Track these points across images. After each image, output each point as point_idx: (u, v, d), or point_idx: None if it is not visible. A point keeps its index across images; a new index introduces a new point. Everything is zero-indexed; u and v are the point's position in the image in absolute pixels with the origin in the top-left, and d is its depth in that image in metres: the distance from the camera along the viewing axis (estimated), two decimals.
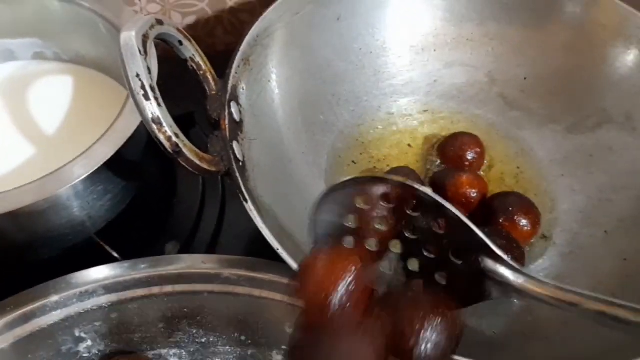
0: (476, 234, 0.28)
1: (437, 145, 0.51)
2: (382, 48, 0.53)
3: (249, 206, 0.35)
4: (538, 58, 0.53)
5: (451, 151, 0.49)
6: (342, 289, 0.28)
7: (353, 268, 0.28)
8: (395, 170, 0.47)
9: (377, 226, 0.30)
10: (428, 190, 0.28)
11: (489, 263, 0.28)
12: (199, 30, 0.63)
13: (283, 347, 0.41)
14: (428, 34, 0.54)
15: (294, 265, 0.34)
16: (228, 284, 0.40)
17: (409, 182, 0.28)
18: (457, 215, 0.28)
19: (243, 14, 0.63)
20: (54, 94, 0.50)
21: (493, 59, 0.54)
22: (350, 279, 0.28)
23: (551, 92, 0.52)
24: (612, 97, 0.50)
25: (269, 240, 0.34)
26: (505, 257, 0.28)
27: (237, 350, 0.42)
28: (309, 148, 0.48)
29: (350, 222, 0.31)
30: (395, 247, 0.31)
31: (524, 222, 0.44)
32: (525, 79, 0.53)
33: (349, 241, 0.31)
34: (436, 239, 0.29)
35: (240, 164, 0.38)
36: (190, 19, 0.62)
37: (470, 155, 0.48)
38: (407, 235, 0.30)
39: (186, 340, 0.42)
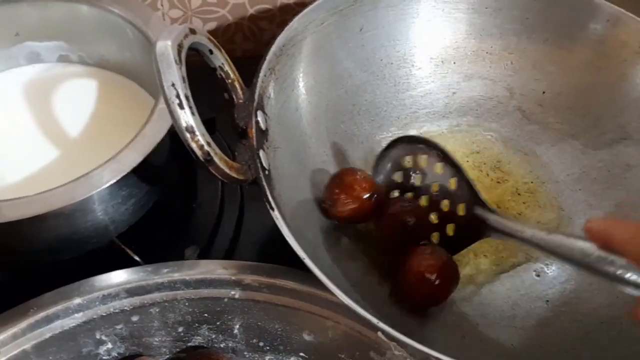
0: (472, 188, 0.43)
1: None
2: (402, 59, 0.53)
3: (276, 214, 0.36)
4: (557, 73, 0.53)
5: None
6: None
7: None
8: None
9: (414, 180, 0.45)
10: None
11: (478, 210, 0.43)
12: (218, 37, 0.63)
13: (301, 354, 0.41)
14: (448, 47, 0.54)
15: (319, 274, 0.35)
16: (249, 290, 0.41)
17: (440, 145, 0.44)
18: (464, 173, 0.43)
19: (263, 21, 0.63)
20: (77, 96, 0.51)
21: (512, 72, 0.54)
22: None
23: (569, 108, 0.52)
24: (631, 115, 0.50)
25: (295, 249, 0.35)
26: (486, 203, 0.42)
27: (255, 357, 0.42)
28: (330, 157, 0.49)
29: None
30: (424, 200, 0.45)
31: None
32: (543, 93, 0.53)
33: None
34: (449, 195, 0.44)
35: (267, 172, 0.39)
36: (211, 25, 0.63)
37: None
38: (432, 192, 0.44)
39: (205, 345, 0.42)
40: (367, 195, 0.43)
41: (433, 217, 0.45)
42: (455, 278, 0.42)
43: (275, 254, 0.43)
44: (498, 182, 0.52)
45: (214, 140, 0.51)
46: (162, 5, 0.59)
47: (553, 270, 0.46)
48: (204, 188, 0.51)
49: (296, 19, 0.46)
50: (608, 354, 0.40)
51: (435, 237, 0.44)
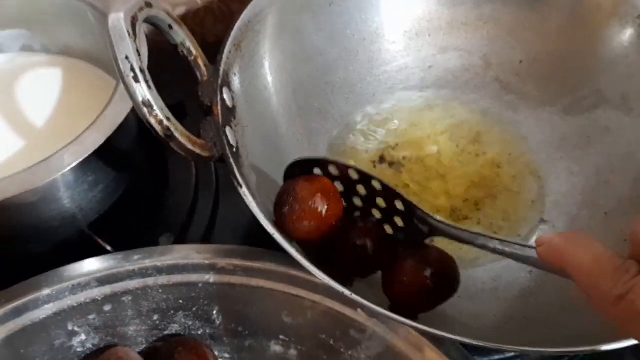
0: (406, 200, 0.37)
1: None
2: (375, 34, 0.52)
3: (244, 191, 0.35)
4: (533, 41, 0.52)
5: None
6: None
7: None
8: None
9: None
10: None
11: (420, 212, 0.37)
12: (189, 21, 0.62)
13: (281, 336, 0.40)
14: (422, 19, 0.53)
15: (289, 248, 0.34)
16: (224, 274, 0.39)
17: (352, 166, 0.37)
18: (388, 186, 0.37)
19: (234, 3, 0.62)
20: (42, 86, 0.49)
21: (488, 42, 0.53)
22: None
23: (547, 75, 0.51)
24: (608, 78, 0.49)
25: (263, 224, 0.34)
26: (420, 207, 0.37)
27: (235, 342, 0.41)
28: (304, 136, 0.47)
29: None
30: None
31: None
32: (520, 62, 0.52)
33: None
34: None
35: (234, 149, 0.37)
36: (180, 10, 0.61)
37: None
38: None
39: (182, 333, 0.41)
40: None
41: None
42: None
43: (253, 238, 0.42)
44: (477, 156, 0.51)
45: (185, 126, 0.50)
46: None
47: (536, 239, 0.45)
48: (178, 174, 0.50)
49: None
50: (593, 320, 0.39)
51: None
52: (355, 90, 0.52)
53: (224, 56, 0.40)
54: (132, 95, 0.31)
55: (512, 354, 0.42)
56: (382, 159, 0.50)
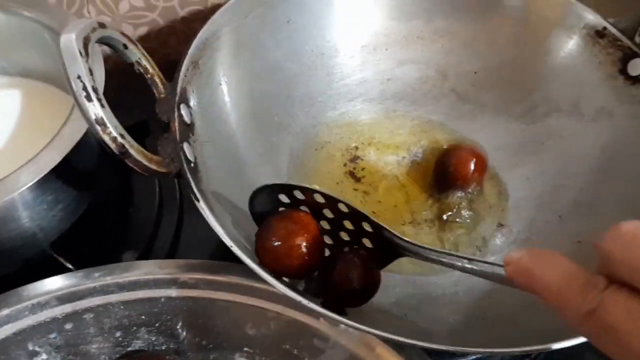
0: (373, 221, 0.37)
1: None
2: (333, 49, 0.53)
3: (201, 205, 0.35)
4: (486, 52, 0.54)
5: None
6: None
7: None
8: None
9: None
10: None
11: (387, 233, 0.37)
12: (151, 42, 0.62)
13: (246, 349, 0.41)
14: (379, 33, 0.54)
15: (248, 261, 0.34)
16: (186, 288, 0.40)
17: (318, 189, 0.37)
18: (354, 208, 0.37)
19: (195, 23, 0.62)
20: (1, 107, 0.49)
21: (443, 55, 0.54)
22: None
23: (501, 84, 0.53)
24: (558, 86, 0.51)
25: (221, 237, 0.34)
26: (389, 229, 0.37)
27: (200, 356, 0.41)
28: (266, 149, 0.48)
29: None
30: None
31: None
32: (475, 73, 0.54)
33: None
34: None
35: (192, 165, 0.38)
36: (143, 30, 0.62)
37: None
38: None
39: (146, 349, 0.41)
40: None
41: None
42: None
43: (218, 253, 0.42)
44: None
45: (148, 144, 0.50)
46: (88, 12, 0.58)
47: (494, 243, 0.46)
48: (141, 191, 0.50)
49: (219, 12, 0.46)
50: (551, 318, 0.40)
51: None
52: (315, 104, 0.53)
53: (181, 73, 0.41)
54: (84, 114, 0.32)
55: (474, 356, 0.43)
56: (346, 172, 0.51)
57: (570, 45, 0.50)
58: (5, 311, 0.37)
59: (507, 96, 0.53)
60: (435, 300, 0.42)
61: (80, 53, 0.32)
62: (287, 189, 0.37)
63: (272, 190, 0.38)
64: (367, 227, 0.37)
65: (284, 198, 0.38)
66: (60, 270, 0.43)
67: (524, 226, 0.47)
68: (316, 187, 0.37)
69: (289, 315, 0.39)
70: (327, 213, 0.38)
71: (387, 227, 0.37)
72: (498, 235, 0.47)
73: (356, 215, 0.37)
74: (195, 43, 0.43)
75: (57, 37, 0.44)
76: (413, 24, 0.54)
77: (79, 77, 0.31)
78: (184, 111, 0.40)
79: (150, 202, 0.50)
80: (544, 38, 0.51)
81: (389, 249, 0.37)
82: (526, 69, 0.52)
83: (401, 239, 0.36)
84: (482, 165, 0.49)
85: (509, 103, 0.53)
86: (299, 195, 0.38)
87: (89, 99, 0.31)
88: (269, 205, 0.38)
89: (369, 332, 0.34)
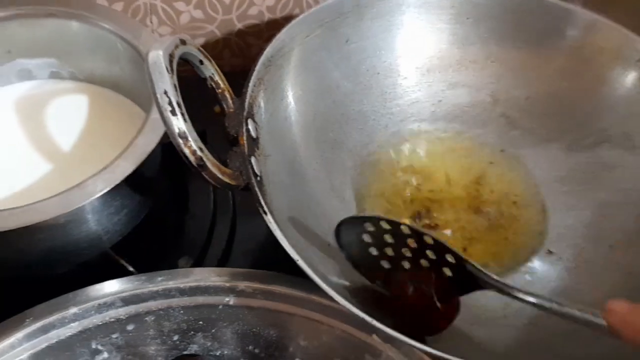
0: (457, 254, 0.38)
1: None
2: (389, 69, 0.54)
3: (269, 218, 0.36)
4: (538, 80, 0.54)
5: None
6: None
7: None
8: None
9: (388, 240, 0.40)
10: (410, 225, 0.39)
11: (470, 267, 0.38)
12: (207, 52, 0.64)
13: (296, 359, 0.42)
14: (432, 56, 0.55)
15: (312, 275, 0.35)
16: (244, 297, 0.41)
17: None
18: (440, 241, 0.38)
19: (250, 37, 0.64)
20: (69, 112, 0.51)
21: (495, 80, 0.55)
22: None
23: (551, 112, 0.54)
24: (611, 118, 0.51)
25: (288, 252, 0.35)
26: (473, 263, 0.38)
27: None
28: (320, 165, 0.49)
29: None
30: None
31: None
32: (526, 99, 0.55)
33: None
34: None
35: (258, 178, 0.39)
36: (199, 41, 0.64)
37: None
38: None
39: (201, 353, 0.42)
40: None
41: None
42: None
43: (267, 263, 0.43)
44: (485, 185, 0.53)
45: None
46: (151, 22, 0.60)
47: (543, 270, 0.47)
48: (196, 200, 0.52)
49: (283, 31, 0.47)
50: (594, 349, 0.41)
51: None
52: (368, 122, 0.54)
53: (249, 89, 0.42)
54: (169, 128, 0.33)
55: None
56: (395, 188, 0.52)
57: (625, 77, 0.50)
58: (73, 309, 0.39)
59: (557, 124, 0.53)
60: (485, 323, 0.43)
61: (167, 69, 0.33)
62: (375, 220, 0.39)
63: (359, 220, 0.40)
64: (450, 258, 0.38)
65: (369, 226, 0.39)
66: (118, 271, 0.45)
67: (572, 254, 0.47)
68: (405, 222, 0.39)
69: (341, 329, 0.40)
70: (411, 243, 0.39)
71: (471, 261, 0.38)
72: (547, 262, 0.47)
73: (440, 247, 0.38)
74: (261, 60, 0.45)
75: (129, 47, 0.47)
76: (467, 49, 0.55)
77: (165, 93, 0.33)
78: (250, 126, 0.41)
79: (205, 210, 0.51)
80: (599, 69, 0.52)
81: (469, 280, 0.38)
82: (578, 98, 0.53)
83: (485, 273, 0.37)
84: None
85: (559, 131, 0.53)
86: (385, 225, 0.39)
87: (173, 113, 0.33)
88: (354, 235, 0.40)
89: (422, 350, 0.35)
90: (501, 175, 0.53)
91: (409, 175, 0.53)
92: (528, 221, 0.50)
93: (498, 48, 0.55)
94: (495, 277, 0.37)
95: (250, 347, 0.42)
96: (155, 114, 0.41)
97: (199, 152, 0.34)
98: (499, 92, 0.56)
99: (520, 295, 0.35)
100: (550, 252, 0.48)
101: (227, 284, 0.41)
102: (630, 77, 0.51)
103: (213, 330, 0.42)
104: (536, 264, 0.47)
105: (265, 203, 0.38)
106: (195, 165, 0.34)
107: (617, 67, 0.51)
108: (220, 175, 0.36)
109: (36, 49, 0.51)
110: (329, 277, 0.39)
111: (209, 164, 0.35)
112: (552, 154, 0.53)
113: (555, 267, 0.47)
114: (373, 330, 0.38)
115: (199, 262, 0.49)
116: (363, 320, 0.34)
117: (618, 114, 0.51)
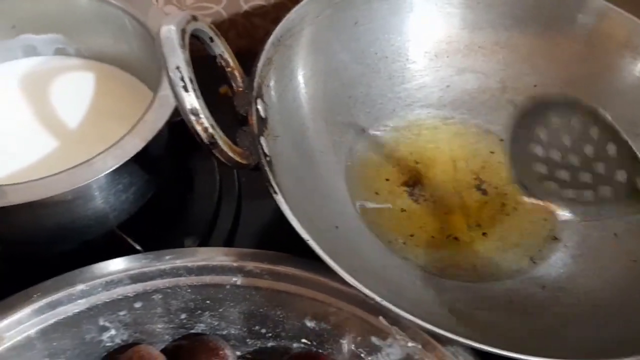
0: None
1: None
2: (397, 53, 0.54)
3: (279, 198, 0.36)
4: (547, 66, 0.54)
5: None
6: None
7: None
8: None
9: None
10: None
11: None
12: None
13: (303, 340, 0.42)
14: (441, 41, 0.55)
15: (323, 255, 0.35)
16: (251, 277, 0.41)
17: None
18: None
19: (256, 18, 0.64)
20: (75, 89, 0.51)
21: (504, 66, 0.55)
22: None
23: (560, 99, 0.54)
24: (615, 105, 0.51)
25: (299, 232, 0.35)
26: None
27: (258, 343, 0.42)
28: (327, 147, 0.49)
29: None
30: None
31: None
32: (535, 86, 0.54)
33: None
34: None
35: (268, 158, 0.39)
36: (205, 21, 0.63)
37: None
38: None
39: (207, 333, 0.42)
40: None
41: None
42: None
43: (273, 244, 0.43)
44: (490, 172, 0.53)
45: None
46: (156, 1, 0.60)
47: (549, 257, 0.47)
48: (201, 180, 0.52)
49: (293, 10, 0.47)
50: (599, 334, 0.41)
51: None
52: (375, 105, 0.54)
53: (258, 69, 0.42)
54: (181, 104, 0.33)
55: None
56: (399, 173, 0.52)
57: (634, 65, 0.50)
58: (81, 286, 0.39)
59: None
60: (489, 308, 0.43)
61: (179, 45, 0.33)
62: None
63: None
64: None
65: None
66: (125, 250, 0.45)
67: (577, 241, 0.48)
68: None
69: (349, 311, 0.40)
70: None
71: None
72: (552, 249, 0.47)
73: None
74: (270, 40, 0.44)
75: (137, 23, 0.46)
76: (476, 34, 0.55)
77: (177, 68, 0.33)
78: (260, 106, 0.41)
79: (210, 190, 0.51)
80: (608, 57, 0.52)
81: None
82: (586, 85, 0.53)
83: None
84: None
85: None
86: None
87: (186, 89, 0.33)
88: None
89: (430, 330, 0.35)
90: (508, 161, 0.53)
91: (414, 159, 0.53)
92: (533, 207, 0.50)
93: (508, 34, 0.55)
94: None
95: (257, 327, 0.42)
96: (163, 90, 0.41)
97: (210, 130, 0.34)
98: (507, 78, 0.55)
99: None
100: (555, 239, 0.48)
101: (235, 264, 0.41)
102: (639, 66, 0.50)
103: (220, 310, 0.41)
104: (542, 251, 0.48)
105: (277, 183, 0.38)
106: (207, 143, 0.34)
107: (627, 55, 0.51)
108: (231, 154, 0.35)
109: (42, 24, 0.51)
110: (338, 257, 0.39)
111: (220, 142, 0.34)
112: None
113: (560, 254, 0.47)
114: (380, 312, 0.38)
115: (204, 243, 0.48)
116: (370, 301, 0.34)
117: (625, 102, 0.51)
